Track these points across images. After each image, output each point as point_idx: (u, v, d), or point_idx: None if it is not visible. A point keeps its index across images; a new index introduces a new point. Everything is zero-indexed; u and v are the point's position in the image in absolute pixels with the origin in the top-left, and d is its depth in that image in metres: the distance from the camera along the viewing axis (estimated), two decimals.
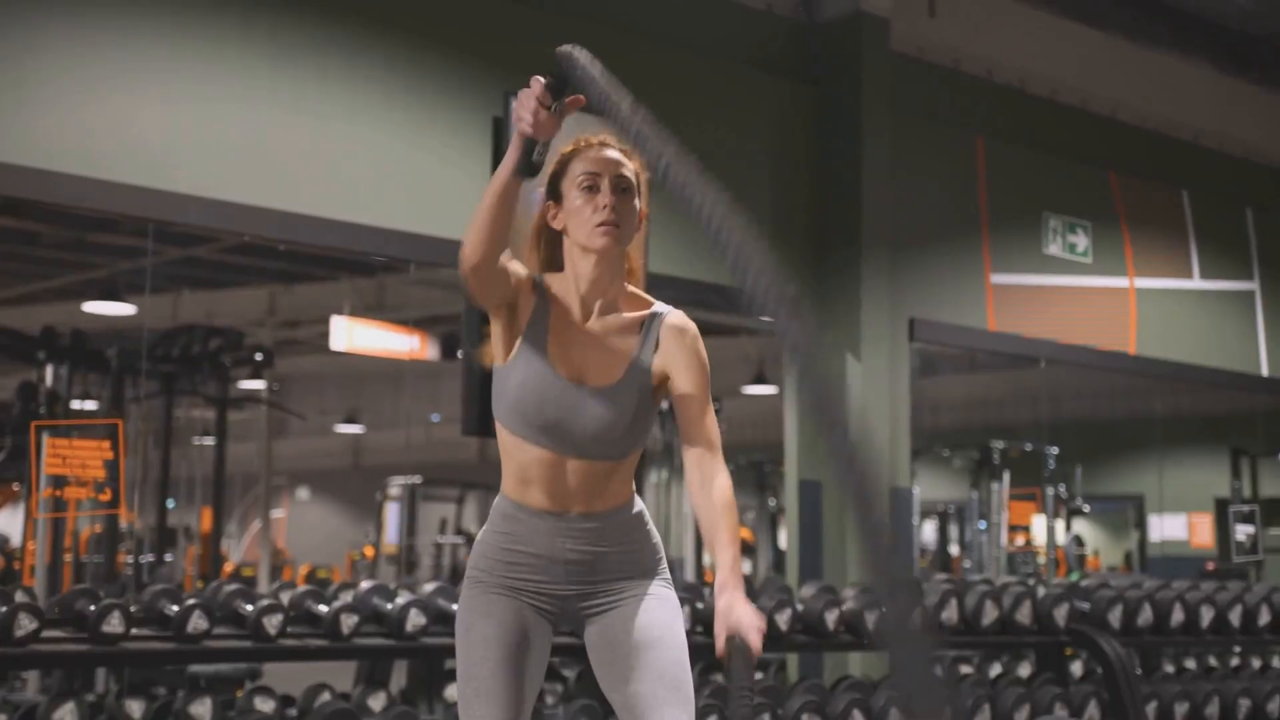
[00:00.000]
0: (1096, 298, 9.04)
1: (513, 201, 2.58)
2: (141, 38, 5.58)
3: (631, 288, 2.79)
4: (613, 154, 2.72)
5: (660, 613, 2.73)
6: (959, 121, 8.47)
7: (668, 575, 2.81)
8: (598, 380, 2.69)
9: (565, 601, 2.76)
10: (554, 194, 2.75)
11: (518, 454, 2.71)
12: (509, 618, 2.70)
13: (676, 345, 2.74)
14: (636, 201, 2.73)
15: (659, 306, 2.79)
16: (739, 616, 2.53)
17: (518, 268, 2.71)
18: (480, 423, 6.30)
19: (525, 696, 2.69)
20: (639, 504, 2.80)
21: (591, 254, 2.69)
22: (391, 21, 6.28)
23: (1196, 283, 9.73)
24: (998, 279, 8.46)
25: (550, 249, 2.80)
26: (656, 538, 2.82)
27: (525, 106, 2.51)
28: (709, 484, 2.70)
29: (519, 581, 2.73)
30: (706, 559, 13.00)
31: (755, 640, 2.51)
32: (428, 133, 6.32)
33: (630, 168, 2.73)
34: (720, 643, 2.54)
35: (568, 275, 2.74)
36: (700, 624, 5.46)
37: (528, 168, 2.56)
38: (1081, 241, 8.97)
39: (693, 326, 2.78)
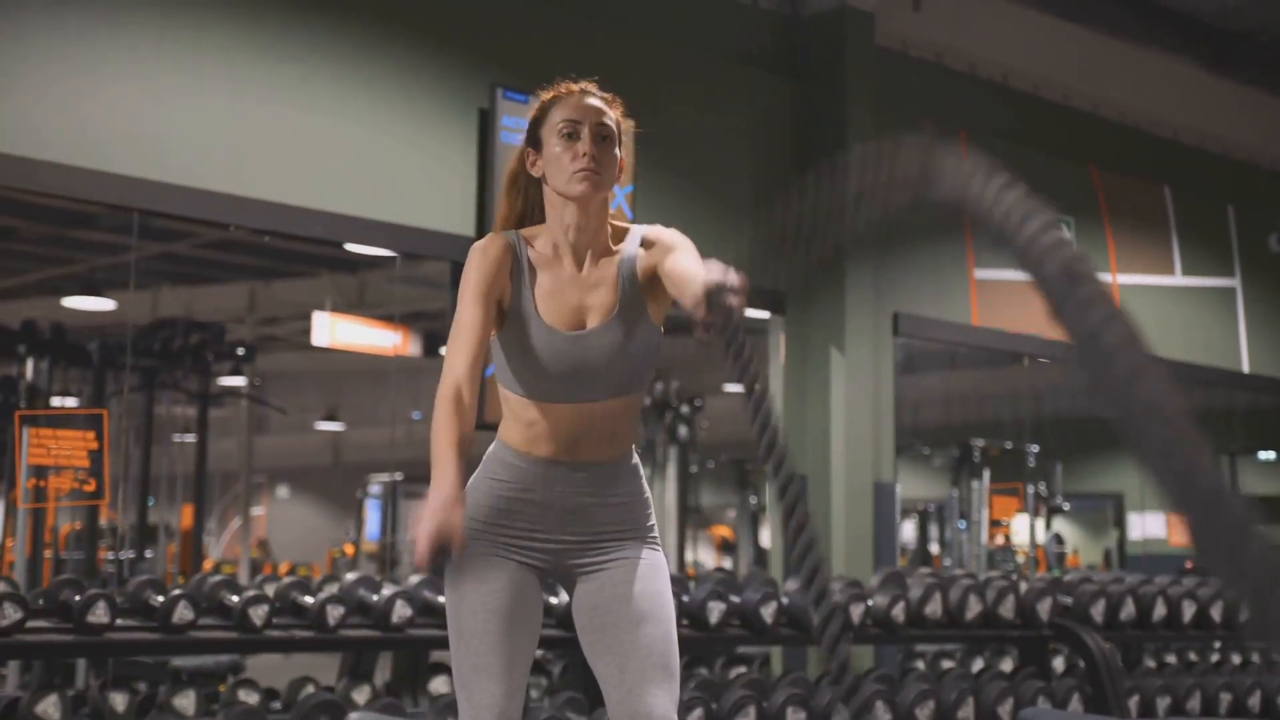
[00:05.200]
0: None
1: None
2: (128, 28, 5.56)
3: (614, 222, 2.76)
4: (594, 101, 2.69)
5: (652, 582, 2.72)
6: (942, 116, 8.48)
7: (657, 535, 2.81)
8: (596, 319, 2.68)
9: (558, 555, 2.73)
10: (533, 141, 2.72)
11: (528, 414, 2.69)
12: (503, 583, 2.67)
13: (656, 241, 2.69)
14: (617, 150, 2.70)
15: (634, 229, 2.76)
16: (711, 271, 2.37)
17: (494, 254, 2.67)
18: None
19: (523, 668, 2.67)
20: (636, 458, 2.79)
21: (573, 202, 2.66)
22: (378, 13, 6.27)
23: (1178, 279, 9.76)
24: (981, 274, 8.48)
25: (527, 196, 2.78)
26: (648, 493, 2.80)
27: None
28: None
29: (513, 531, 2.70)
30: (689, 556, 12.99)
31: (735, 293, 2.34)
32: (413, 125, 6.31)
33: (611, 116, 2.70)
34: (700, 308, 2.36)
35: (553, 225, 2.71)
36: (685, 617, 5.46)
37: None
38: None
39: (662, 228, 2.73)
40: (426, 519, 2.46)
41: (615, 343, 2.67)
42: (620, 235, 2.75)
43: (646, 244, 2.72)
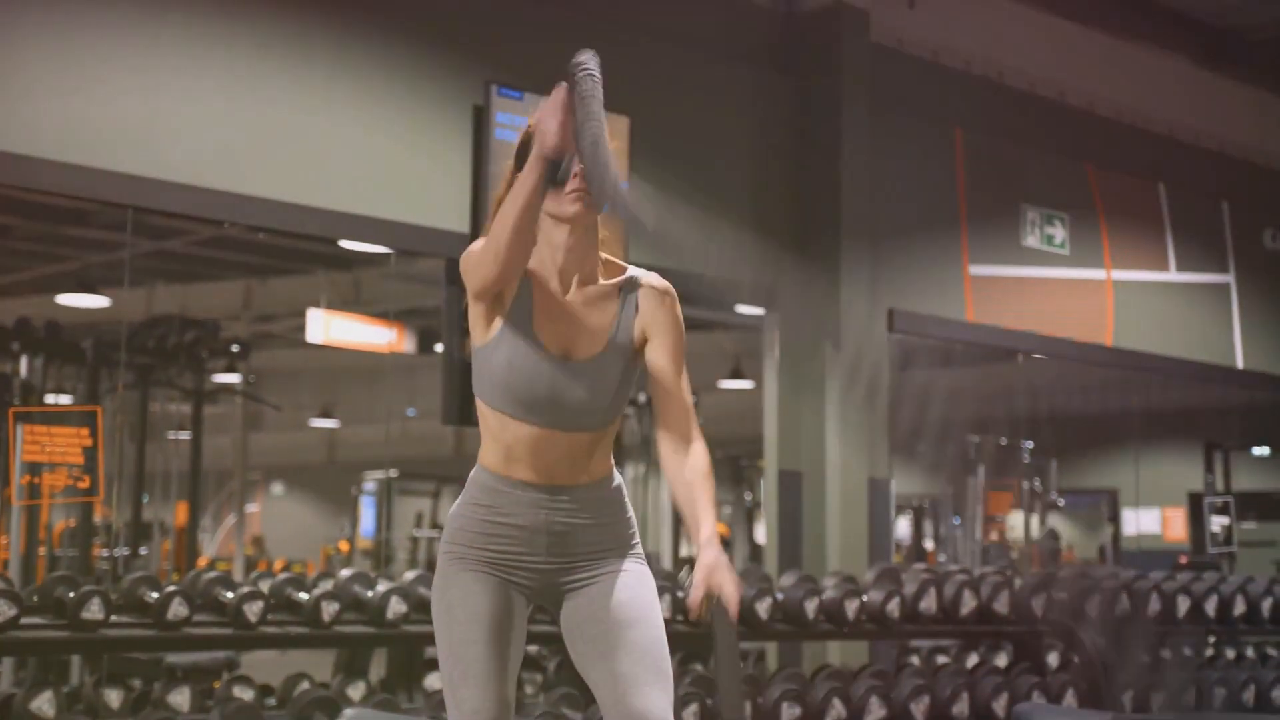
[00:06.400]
0: (1074, 290, 9.08)
1: (535, 218, 2.60)
2: (122, 25, 5.55)
3: (606, 255, 2.78)
4: None
5: (640, 590, 2.73)
6: (937, 113, 8.49)
7: (641, 551, 2.82)
8: (583, 353, 2.69)
9: (544, 575, 2.74)
10: (522, 164, 2.71)
11: (503, 432, 2.69)
12: (491, 596, 2.68)
13: (656, 308, 2.75)
14: None
15: (635, 271, 2.79)
16: (722, 579, 2.58)
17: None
18: (460, 412, 6.30)
19: (510, 676, 2.68)
20: (618, 478, 2.80)
21: (564, 223, 2.67)
22: (372, 9, 6.26)
23: (1173, 275, 9.78)
24: (976, 270, 8.48)
25: None
26: (631, 513, 2.82)
27: (550, 117, 2.52)
28: (686, 453, 2.73)
29: (498, 555, 2.71)
30: (684, 549, 12.98)
31: (733, 607, 2.58)
32: (408, 121, 6.31)
33: None
34: (698, 596, 2.58)
35: (542, 247, 2.71)
36: (680, 613, 5.46)
37: (554, 177, 2.59)
38: (1059, 233, 9.01)
39: (671, 290, 2.78)
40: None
41: (594, 384, 2.68)
42: (612, 270, 2.77)
43: (645, 297, 2.75)
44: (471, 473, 2.78)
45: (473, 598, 2.67)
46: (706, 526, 2.63)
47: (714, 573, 2.57)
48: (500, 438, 2.70)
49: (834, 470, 7.48)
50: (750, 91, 7.67)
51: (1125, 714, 6.32)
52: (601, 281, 2.74)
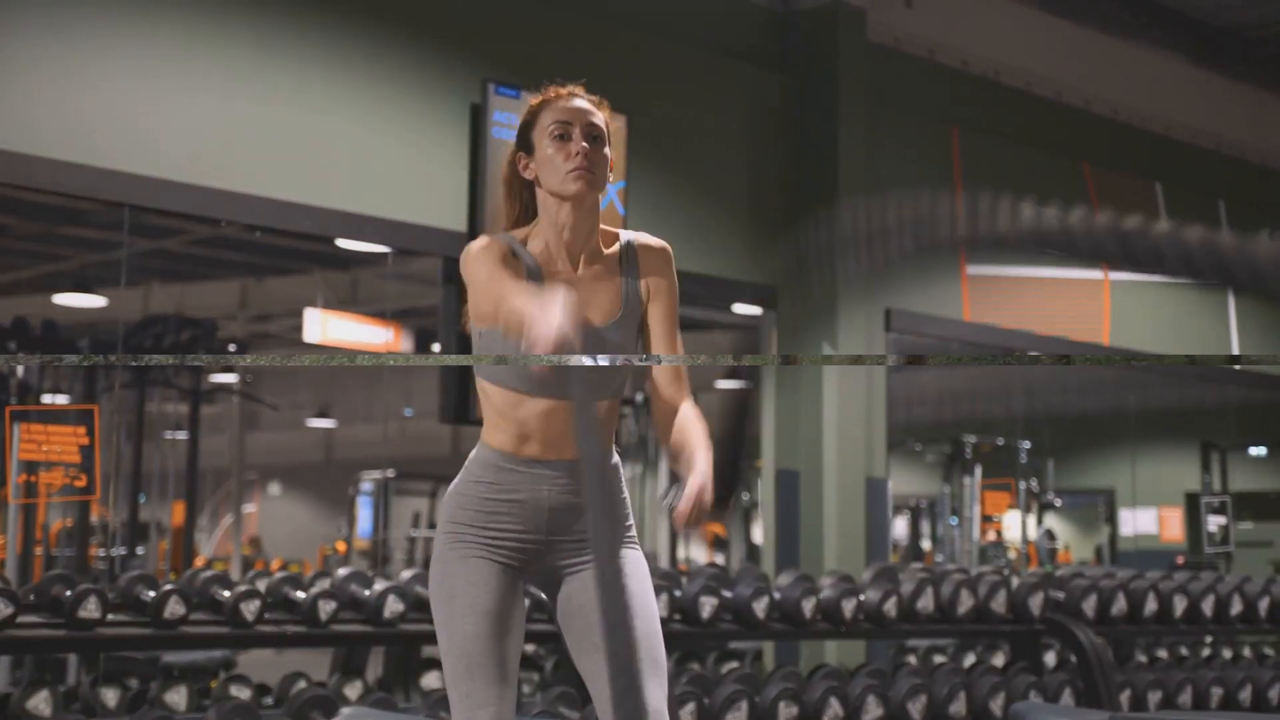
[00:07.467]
0: (1071, 289, 9.08)
1: None
2: (120, 23, 5.55)
3: (603, 225, 2.80)
4: (583, 103, 2.73)
5: (633, 580, 2.73)
6: (934, 112, 8.49)
7: (635, 535, 2.82)
8: (598, 319, 2.70)
9: (541, 555, 2.74)
10: (525, 145, 2.75)
11: (517, 411, 2.69)
12: (493, 584, 2.68)
13: (656, 264, 2.79)
14: (608, 150, 2.74)
15: (627, 234, 2.82)
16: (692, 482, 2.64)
17: (499, 249, 2.69)
18: (458, 411, 6.30)
19: (514, 667, 2.68)
20: (616, 456, 2.80)
21: (567, 202, 2.69)
22: (370, 7, 6.26)
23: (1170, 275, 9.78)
24: (973, 270, 8.49)
25: (523, 199, 2.81)
26: (626, 494, 2.82)
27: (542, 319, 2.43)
28: (677, 409, 2.78)
29: (497, 533, 2.71)
30: (680, 553, 12.98)
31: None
32: (405, 119, 6.31)
33: (600, 117, 2.74)
34: (684, 510, 2.62)
35: (546, 227, 2.74)
36: (677, 612, 5.46)
37: None
38: None
39: (668, 248, 2.82)
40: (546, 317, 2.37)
41: (615, 345, 2.70)
42: (609, 239, 2.79)
43: (644, 257, 2.78)
44: (473, 452, 2.77)
45: (474, 588, 2.67)
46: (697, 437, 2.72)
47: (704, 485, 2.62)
48: (512, 416, 2.69)
49: (831, 470, 7.48)
50: (747, 90, 7.67)
51: (1123, 713, 6.32)
52: (604, 251, 2.76)
